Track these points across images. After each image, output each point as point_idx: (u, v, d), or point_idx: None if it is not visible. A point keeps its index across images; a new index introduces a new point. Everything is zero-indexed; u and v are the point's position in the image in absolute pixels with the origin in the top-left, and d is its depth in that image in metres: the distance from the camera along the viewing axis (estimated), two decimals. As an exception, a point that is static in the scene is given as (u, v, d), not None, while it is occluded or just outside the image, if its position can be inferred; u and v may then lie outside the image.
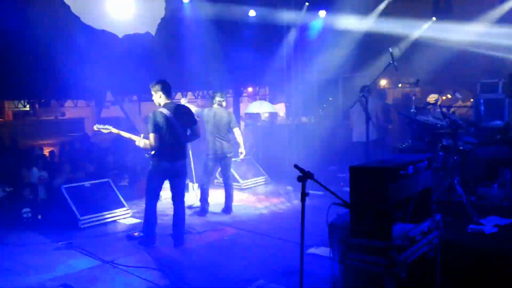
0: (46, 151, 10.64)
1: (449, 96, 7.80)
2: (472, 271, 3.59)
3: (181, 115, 5.10)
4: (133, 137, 5.24)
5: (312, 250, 4.71)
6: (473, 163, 4.82)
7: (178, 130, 5.02)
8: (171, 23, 8.25)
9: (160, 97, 5.07)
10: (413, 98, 6.07)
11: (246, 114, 21.52)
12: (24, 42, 7.78)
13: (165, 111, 4.96)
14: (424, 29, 9.60)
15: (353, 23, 9.64)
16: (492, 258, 3.55)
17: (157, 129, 4.91)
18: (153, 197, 5.24)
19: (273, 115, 16.24)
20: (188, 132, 5.21)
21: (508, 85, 4.73)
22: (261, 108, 16.06)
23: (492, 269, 3.52)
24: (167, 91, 5.08)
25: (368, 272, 2.82)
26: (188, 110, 5.35)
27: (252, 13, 9.90)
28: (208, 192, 6.65)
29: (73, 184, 6.53)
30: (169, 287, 4.07)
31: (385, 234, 2.75)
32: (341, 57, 9.58)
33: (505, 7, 8.79)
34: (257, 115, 18.21)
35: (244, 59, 10.69)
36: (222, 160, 6.62)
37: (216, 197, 7.21)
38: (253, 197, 7.79)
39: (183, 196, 5.35)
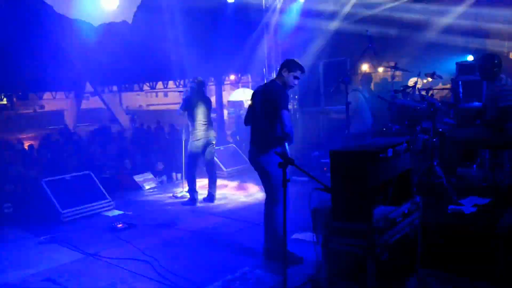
0: (25, 145, 10.47)
1: (429, 79, 7.84)
2: (452, 250, 3.66)
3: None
4: None
5: (296, 235, 4.74)
6: (452, 144, 4.88)
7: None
8: (148, 11, 8.10)
9: None
10: (392, 81, 6.10)
11: (229, 102, 21.39)
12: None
13: None
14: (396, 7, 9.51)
15: (332, 6, 9.59)
16: (470, 237, 3.62)
17: None
18: None
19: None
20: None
21: (482, 68, 4.76)
22: (244, 95, 15.97)
23: (470, 248, 3.60)
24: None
25: (350, 254, 2.86)
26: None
27: (230, -1, 9.77)
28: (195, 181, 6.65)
29: (54, 178, 6.44)
30: (155, 278, 4.06)
31: (365, 217, 2.78)
32: (321, 42, 9.54)
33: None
34: (240, 102, 18.13)
35: (224, 46, 10.59)
36: (206, 148, 6.58)
37: (200, 186, 7.20)
38: (237, 185, 7.79)
39: None
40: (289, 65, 4.26)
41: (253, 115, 4.36)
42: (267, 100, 4.19)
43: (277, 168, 3.34)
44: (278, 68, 4.37)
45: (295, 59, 4.33)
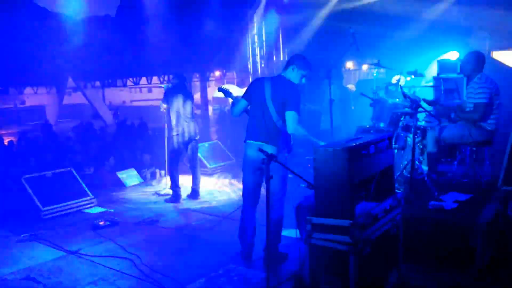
0: (5, 141, 10.26)
1: (413, 76, 7.95)
2: (433, 245, 3.72)
3: None
4: None
5: (280, 232, 4.74)
6: (433, 141, 4.94)
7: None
8: (132, 5, 8.00)
9: None
10: (375, 78, 6.15)
11: (213, 98, 21.28)
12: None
13: None
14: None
15: (316, 2, 9.62)
16: (451, 232, 3.68)
17: None
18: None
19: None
20: None
21: (466, 65, 4.82)
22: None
23: (451, 243, 3.66)
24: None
25: (333, 250, 2.87)
26: None
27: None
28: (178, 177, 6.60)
29: (34, 174, 6.33)
30: (137, 276, 4.02)
31: (348, 213, 2.80)
32: (305, 39, 9.57)
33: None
34: (225, 99, 18.04)
35: (209, 42, 10.54)
36: (189, 144, 6.53)
37: (183, 183, 7.16)
38: (221, 182, 7.77)
39: None
40: (298, 62, 4.05)
41: (259, 109, 4.04)
42: (280, 97, 3.96)
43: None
44: (286, 64, 4.15)
45: (304, 56, 4.15)
